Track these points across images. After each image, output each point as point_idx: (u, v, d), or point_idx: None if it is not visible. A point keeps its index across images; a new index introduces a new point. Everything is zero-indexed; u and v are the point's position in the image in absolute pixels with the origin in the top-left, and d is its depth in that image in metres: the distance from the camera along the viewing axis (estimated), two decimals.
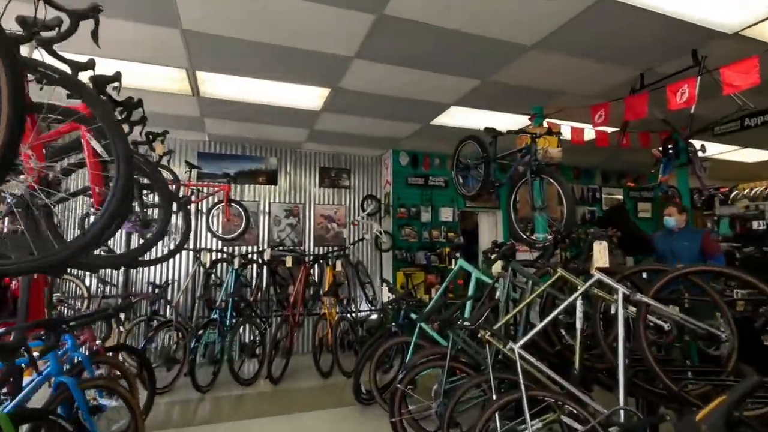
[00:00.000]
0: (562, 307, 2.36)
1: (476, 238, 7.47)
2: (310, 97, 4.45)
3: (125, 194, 1.50)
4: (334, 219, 6.61)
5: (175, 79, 3.97)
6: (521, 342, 2.37)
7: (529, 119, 4.81)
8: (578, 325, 2.41)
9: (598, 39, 3.30)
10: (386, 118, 5.12)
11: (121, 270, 5.50)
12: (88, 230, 1.53)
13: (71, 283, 5.14)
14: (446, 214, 6.73)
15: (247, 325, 5.47)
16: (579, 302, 2.41)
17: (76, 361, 2.75)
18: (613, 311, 2.42)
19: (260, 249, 5.87)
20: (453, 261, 6.37)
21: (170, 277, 5.66)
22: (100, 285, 5.16)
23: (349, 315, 5.45)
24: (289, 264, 5.53)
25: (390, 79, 4.02)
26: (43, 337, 2.28)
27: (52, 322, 2.24)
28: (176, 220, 5.79)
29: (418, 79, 4.03)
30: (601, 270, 2.26)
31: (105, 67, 3.25)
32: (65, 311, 5.06)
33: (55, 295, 4.98)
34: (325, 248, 6.46)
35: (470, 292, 3.75)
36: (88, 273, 5.36)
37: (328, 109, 4.81)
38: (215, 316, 4.72)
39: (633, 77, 3.96)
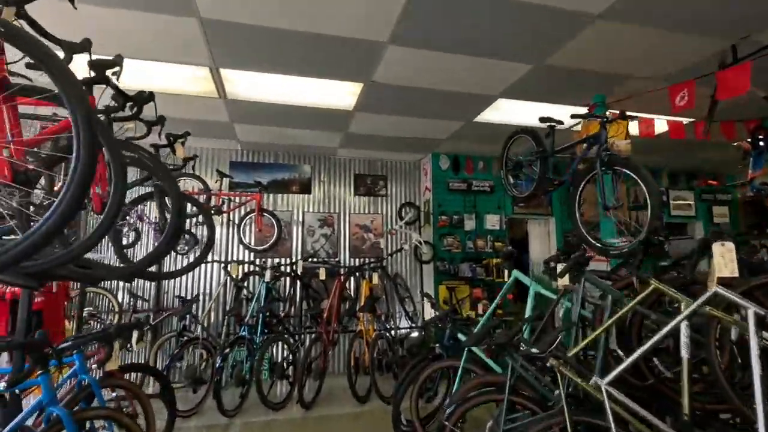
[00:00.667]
0: (665, 330, 1.79)
1: (525, 248, 6.82)
2: (341, 94, 4.10)
3: (82, 186, 1.14)
4: (371, 229, 6.21)
5: (199, 79, 3.74)
6: (610, 377, 1.82)
7: (589, 109, 4.21)
8: (684, 353, 1.83)
9: (681, 1, 2.73)
10: (425, 115, 4.69)
11: (153, 283, 5.34)
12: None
13: (104, 297, 5.02)
14: (492, 221, 6.15)
15: (277, 343, 5.13)
16: (684, 325, 1.83)
17: (84, 383, 2.47)
18: (733, 336, 1.82)
19: (293, 261, 5.55)
20: (503, 273, 5.77)
21: (201, 290, 5.44)
22: (131, 299, 5.00)
23: (387, 333, 4.98)
24: (322, 277, 5.15)
25: (428, 68, 3.60)
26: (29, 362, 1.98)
27: (32, 345, 1.93)
28: (197, 231, 5.63)
29: (461, 67, 3.58)
30: (721, 282, 1.68)
31: (126, 68, 3.05)
32: (96, 326, 4.93)
33: (86, 309, 4.86)
34: (361, 260, 6.06)
35: (528, 309, 3.18)
36: (121, 286, 5.24)
37: (361, 109, 4.45)
38: (244, 333, 4.40)
39: (721, 50, 3.31)
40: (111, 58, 2.04)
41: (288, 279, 5.53)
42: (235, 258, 5.60)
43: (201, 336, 4.29)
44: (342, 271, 5.38)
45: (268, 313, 4.64)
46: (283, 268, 5.55)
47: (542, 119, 3.36)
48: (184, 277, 5.43)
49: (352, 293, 5.67)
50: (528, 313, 3.17)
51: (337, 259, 5.94)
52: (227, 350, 4.16)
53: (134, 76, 3.67)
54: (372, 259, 5.95)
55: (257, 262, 5.47)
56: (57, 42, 1.76)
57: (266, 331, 4.63)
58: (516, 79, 3.83)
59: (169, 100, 4.14)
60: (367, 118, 4.72)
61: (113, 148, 1.71)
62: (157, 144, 3.23)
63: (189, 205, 4.94)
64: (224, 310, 5.18)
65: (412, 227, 6.24)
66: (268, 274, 4.79)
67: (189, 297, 5.26)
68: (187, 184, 5.48)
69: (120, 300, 5.01)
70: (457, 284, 5.78)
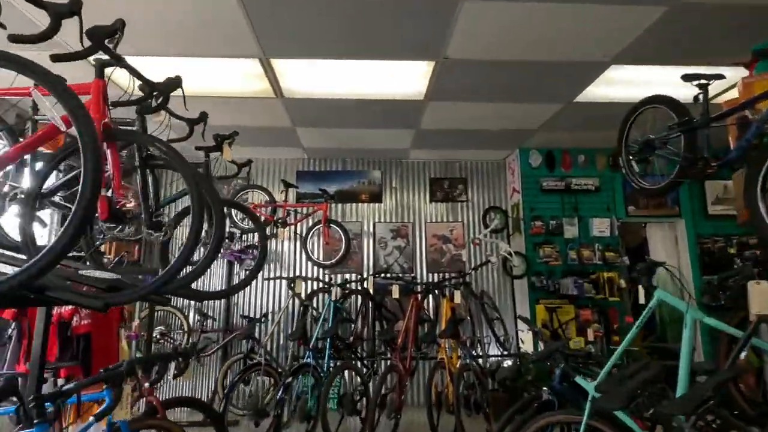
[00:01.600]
0: None
1: (641, 258, 5.53)
2: (409, 78, 3.48)
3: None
4: (450, 239, 5.45)
5: (252, 76, 3.38)
6: None
7: (746, 66, 3.08)
8: None
9: None
10: (512, 99, 3.88)
11: (222, 301, 5.12)
12: None
13: (174, 316, 4.89)
14: (600, 226, 5.03)
15: (347, 372, 4.55)
16: None
17: (115, 427, 2.07)
18: None
19: (363, 276, 4.99)
20: (618, 290, 4.64)
21: (270, 308, 5.11)
22: (200, 318, 4.80)
23: (474, 362, 4.14)
24: (396, 295, 4.50)
25: (514, 30, 2.83)
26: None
27: (5, 389, 1.51)
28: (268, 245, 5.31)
29: (559, 24, 2.75)
30: None
31: (173, 68, 2.75)
32: (166, 346, 4.78)
33: (158, 328, 4.74)
34: (440, 275, 5.31)
35: (684, 345, 2.20)
36: (190, 304, 5.09)
37: (434, 97, 3.78)
38: (309, 360, 3.89)
39: None
40: (160, 58, 1.65)
41: (358, 297, 4.97)
42: (303, 274, 5.19)
43: (263, 361, 3.86)
44: (418, 288, 4.68)
45: (336, 337, 4.10)
46: (353, 285, 5.01)
47: (687, 77, 2.41)
48: (252, 296, 5.15)
49: (430, 314, 4.94)
50: (686, 346, 2.18)
51: (412, 275, 5.26)
52: (290, 379, 3.67)
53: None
54: (453, 274, 5.17)
55: (324, 278, 5.01)
56: (42, 6, 1.37)
57: (334, 356, 4.09)
58: (642, 32, 2.88)
59: (226, 106, 3.87)
60: (442, 109, 4.04)
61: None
62: (201, 146, 2.88)
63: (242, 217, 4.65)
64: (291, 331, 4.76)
65: (499, 236, 5.36)
66: (334, 292, 4.27)
67: (256, 316, 4.94)
68: (254, 197, 5.23)
69: (190, 319, 4.84)
70: (559, 304, 4.76)
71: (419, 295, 4.53)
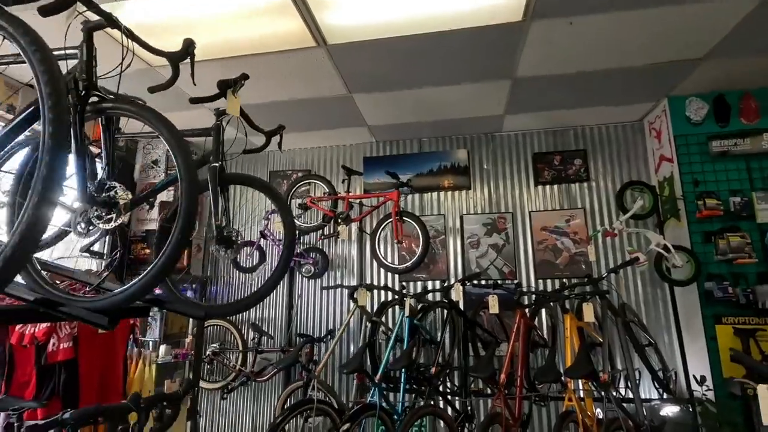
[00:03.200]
0: None
1: None
2: None
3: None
4: (567, 232, 4.01)
5: (281, 12, 2.49)
6: None
7: None
8: None
9: None
10: (664, 1, 2.44)
11: (282, 314, 4.33)
12: None
13: (228, 331, 4.20)
14: None
15: (429, 418, 3.37)
16: None
17: None
18: None
19: (448, 284, 3.81)
20: None
21: (337, 324, 4.18)
22: (255, 335, 4.05)
23: (620, 409, 2.69)
24: (494, 308, 3.23)
25: None
26: None
27: None
28: (327, 246, 4.35)
29: None
30: None
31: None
32: (218, 367, 4.10)
33: (211, 346, 4.09)
34: (557, 281, 3.91)
35: None
36: (244, 319, 4.38)
37: (540, 10, 2.53)
38: (374, 399, 2.83)
39: None
40: None
41: (443, 312, 3.80)
42: (372, 281, 4.19)
43: (316, 397, 2.89)
44: (526, 299, 3.36)
45: (413, 365, 2.99)
46: (430, 296, 3.85)
47: None
48: (315, 309, 4.28)
49: (545, 335, 3.56)
50: None
51: (515, 282, 3.93)
52: (347, 426, 2.63)
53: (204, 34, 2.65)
54: (575, 280, 3.74)
55: (397, 286, 3.93)
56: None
57: (412, 390, 2.99)
58: None
59: (266, 69, 3.06)
60: (550, 33, 2.74)
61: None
62: (199, 98, 2.05)
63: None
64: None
65: (644, 224, 3.78)
66: (408, 305, 3.16)
67: (317, 333, 4.05)
68: (313, 189, 4.40)
69: (244, 336, 4.12)
70: (758, 324, 3.06)
71: (528, 310, 3.22)
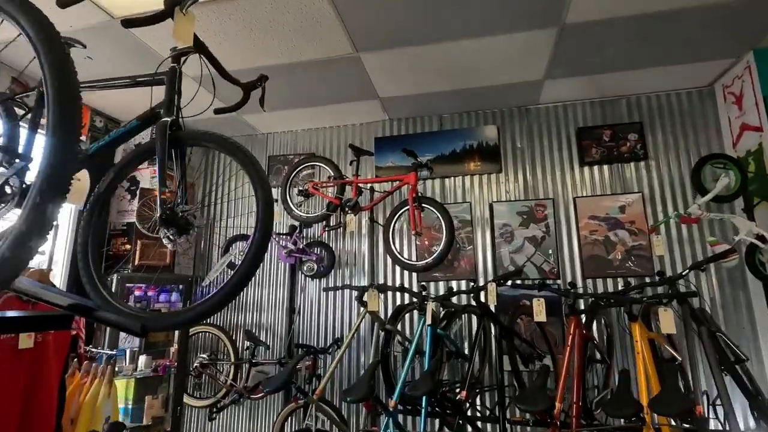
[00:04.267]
0: None
1: None
2: None
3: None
4: (621, 221, 3.31)
5: None
6: None
7: None
8: None
9: None
10: None
11: (282, 320, 3.74)
12: None
13: (219, 340, 3.63)
14: None
15: None
16: None
17: None
18: None
19: (476, 285, 3.14)
20: None
21: (346, 331, 3.56)
22: (249, 344, 3.46)
23: None
24: (541, 315, 2.55)
25: None
26: None
27: None
28: (333, 241, 3.70)
29: None
30: None
31: None
32: (208, 381, 3.53)
33: (199, 357, 3.53)
34: (610, 281, 3.22)
35: None
36: (238, 324, 3.81)
37: None
38: (390, 429, 2.20)
39: None
40: None
41: (470, 318, 3.15)
42: (388, 282, 3.55)
43: (314, 428, 2.27)
44: (576, 303, 2.66)
45: (436, 388, 2.34)
46: (457, 299, 3.20)
47: None
48: (318, 316, 3.68)
49: (604, 347, 2.87)
50: None
51: (557, 282, 3.26)
52: None
53: None
54: (635, 281, 3.05)
55: (414, 288, 3.28)
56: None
57: (434, 410, 2.35)
58: None
59: (250, 20, 2.47)
60: None
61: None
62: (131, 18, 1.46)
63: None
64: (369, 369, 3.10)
65: (729, 208, 3.06)
66: (431, 310, 2.51)
67: (321, 344, 3.45)
68: (318, 173, 3.82)
69: (237, 345, 3.54)
70: None
71: (583, 317, 2.54)
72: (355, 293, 3.13)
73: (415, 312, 2.82)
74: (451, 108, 3.76)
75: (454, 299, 3.28)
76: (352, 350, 3.42)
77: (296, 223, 3.68)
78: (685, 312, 2.33)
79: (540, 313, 2.44)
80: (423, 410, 2.41)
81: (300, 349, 2.97)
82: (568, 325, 2.36)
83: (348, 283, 3.62)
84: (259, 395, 3.29)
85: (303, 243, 3.61)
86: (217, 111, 2.01)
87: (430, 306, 2.50)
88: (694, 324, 2.37)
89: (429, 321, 2.50)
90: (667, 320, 2.25)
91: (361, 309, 2.90)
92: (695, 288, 2.84)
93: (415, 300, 2.75)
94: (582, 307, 2.70)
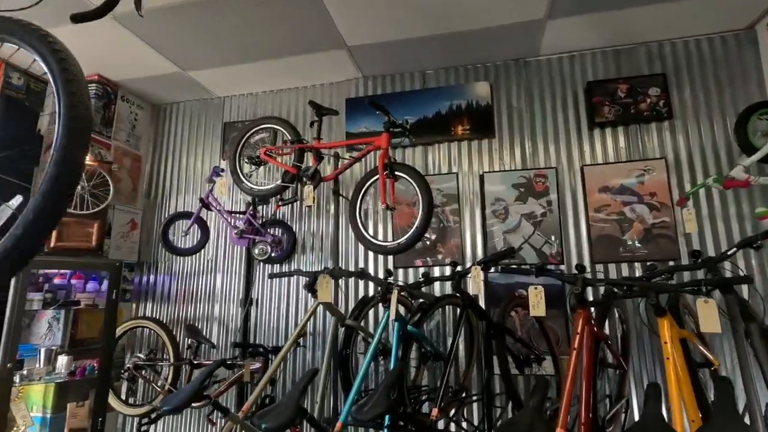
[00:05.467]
0: None
1: None
2: None
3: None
4: (639, 194, 2.71)
5: None
6: None
7: None
8: None
9: None
10: None
11: (236, 312, 3.18)
12: None
13: (156, 335, 3.08)
14: None
15: None
16: None
17: None
18: None
19: (460, 270, 2.54)
20: None
21: (312, 328, 3.00)
22: (190, 341, 2.90)
23: None
24: (539, 309, 1.96)
25: None
26: None
27: None
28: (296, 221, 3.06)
29: None
30: None
31: None
32: (141, 390, 2.99)
33: (134, 356, 2.97)
34: (629, 266, 2.64)
35: None
36: (180, 317, 3.26)
37: None
38: None
39: None
40: None
41: (453, 312, 2.57)
42: (359, 265, 2.98)
43: None
44: (585, 291, 2.06)
45: (403, 402, 1.78)
46: (442, 288, 2.63)
47: None
48: (278, 308, 3.11)
49: (618, 347, 2.29)
50: None
51: (559, 267, 2.67)
52: None
53: None
54: (656, 264, 2.47)
55: (380, 274, 2.70)
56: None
57: (400, 427, 1.80)
58: None
59: None
60: None
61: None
62: None
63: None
64: (331, 380, 2.52)
65: None
66: (395, 301, 1.94)
67: (274, 343, 2.89)
68: (274, 137, 3.24)
69: (178, 342, 2.99)
70: None
71: (593, 311, 1.96)
72: (305, 280, 2.54)
73: (381, 304, 2.24)
74: (435, 62, 3.16)
75: (437, 288, 2.71)
76: (308, 352, 2.86)
77: (253, 200, 3.10)
78: (732, 304, 1.75)
79: (537, 305, 1.86)
80: (385, 429, 1.85)
81: (237, 349, 2.40)
82: (576, 320, 1.78)
83: (303, 269, 3.04)
84: (201, 404, 2.74)
85: (258, 222, 3.04)
86: (75, 18, 1.39)
87: (395, 296, 1.92)
88: (747, 322, 1.79)
89: (394, 315, 1.93)
90: (709, 315, 1.66)
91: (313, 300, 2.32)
92: (743, 272, 2.25)
93: (381, 289, 2.17)
94: (592, 297, 2.11)
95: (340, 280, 2.89)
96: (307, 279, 2.25)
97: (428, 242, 2.95)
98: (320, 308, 2.71)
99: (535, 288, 1.90)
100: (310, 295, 2.51)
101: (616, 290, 2.04)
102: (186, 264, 3.40)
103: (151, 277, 3.47)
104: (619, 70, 2.92)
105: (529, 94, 3.05)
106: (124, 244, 3.41)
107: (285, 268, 3.17)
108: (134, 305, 3.42)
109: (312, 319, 2.94)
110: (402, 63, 3.17)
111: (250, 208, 3.06)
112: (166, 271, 3.45)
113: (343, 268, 2.94)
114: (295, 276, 2.88)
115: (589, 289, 2.51)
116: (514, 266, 2.64)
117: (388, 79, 3.32)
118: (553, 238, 2.78)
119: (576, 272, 1.84)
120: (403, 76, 3.29)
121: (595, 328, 1.83)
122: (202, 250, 3.27)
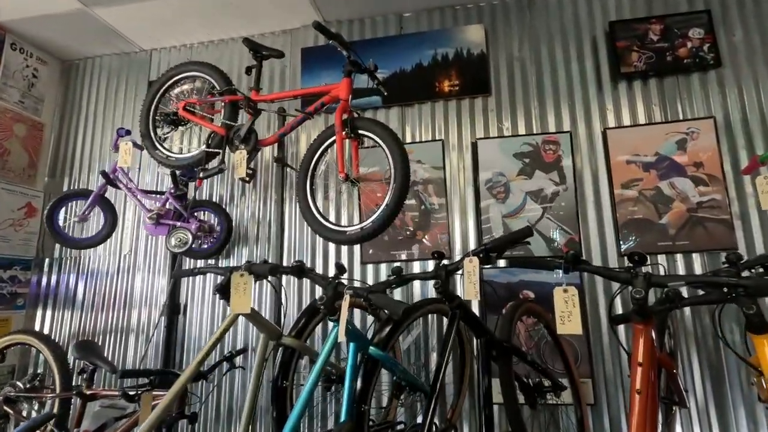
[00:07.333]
0: None
1: None
2: None
3: None
4: (680, 165, 2.06)
5: None
6: None
7: None
8: None
9: None
10: None
11: (161, 324, 2.43)
12: None
13: (33, 348, 2.31)
14: None
15: None
16: None
17: None
18: None
19: (446, 264, 1.84)
20: None
21: (250, 339, 2.28)
22: (83, 364, 2.14)
23: None
24: (571, 322, 1.29)
25: None
26: None
27: None
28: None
29: None
30: None
31: None
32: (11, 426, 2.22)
33: (8, 385, 2.20)
34: (669, 257, 1.98)
35: None
36: (69, 333, 2.51)
37: None
38: None
39: None
40: None
41: (439, 323, 1.88)
42: (317, 265, 2.27)
43: None
44: (643, 297, 1.38)
45: None
46: (423, 291, 1.94)
47: None
48: (210, 319, 2.38)
49: (679, 365, 1.62)
50: None
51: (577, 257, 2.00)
52: None
53: None
54: (735, 254, 1.83)
55: (337, 272, 1.97)
56: None
57: None
58: None
59: None
60: None
61: None
62: None
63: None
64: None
65: None
66: (344, 310, 1.24)
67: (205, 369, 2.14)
68: (196, 86, 2.49)
69: (69, 365, 2.22)
70: None
71: (655, 320, 1.26)
72: (218, 281, 1.76)
73: (332, 314, 1.52)
74: (415, 1, 2.46)
75: (417, 290, 2.01)
76: (247, 374, 2.13)
77: (176, 172, 2.35)
78: None
79: (569, 316, 1.18)
80: None
81: (125, 380, 1.66)
82: (635, 340, 1.11)
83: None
84: None
85: (181, 204, 2.29)
86: None
87: (347, 304, 1.22)
88: None
89: (343, 332, 1.23)
90: None
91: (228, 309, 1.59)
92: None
93: (330, 294, 1.46)
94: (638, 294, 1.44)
95: (270, 280, 2.17)
96: (222, 279, 1.52)
97: (408, 232, 2.26)
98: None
99: (564, 290, 1.22)
100: (220, 299, 1.78)
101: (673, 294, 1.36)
102: (99, 261, 2.64)
103: (53, 278, 2.69)
104: (649, 6, 2.27)
105: (533, 39, 2.38)
106: (15, 235, 2.63)
107: (224, 263, 2.44)
108: (29, 314, 2.65)
109: (252, 331, 2.21)
110: (374, 2, 2.47)
111: (172, 185, 2.32)
112: (72, 270, 2.68)
113: (279, 262, 2.21)
114: (207, 275, 2.15)
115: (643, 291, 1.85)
116: (532, 258, 1.95)
117: (356, 24, 2.61)
118: (569, 221, 2.11)
119: (630, 266, 1.16)
120: (375, 20, 2.59)
121: (665, 356, 1.15)
122: (114, 243, 2.51)
